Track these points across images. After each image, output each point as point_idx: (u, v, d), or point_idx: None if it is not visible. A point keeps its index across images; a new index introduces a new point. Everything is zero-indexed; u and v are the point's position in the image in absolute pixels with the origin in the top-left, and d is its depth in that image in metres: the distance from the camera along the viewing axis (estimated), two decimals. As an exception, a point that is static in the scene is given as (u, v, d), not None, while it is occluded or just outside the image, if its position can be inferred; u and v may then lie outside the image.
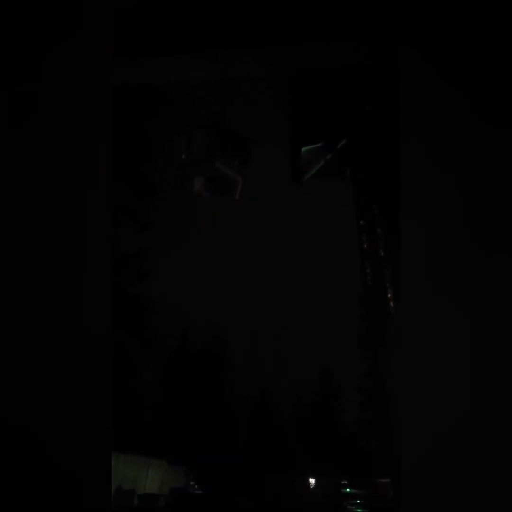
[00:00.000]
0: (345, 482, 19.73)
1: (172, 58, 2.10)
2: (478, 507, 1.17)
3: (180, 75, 2.31)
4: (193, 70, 2.23)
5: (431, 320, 1.26)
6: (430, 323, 1.26)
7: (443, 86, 1.34)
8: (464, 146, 1.32)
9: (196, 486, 19.12)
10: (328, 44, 1.88)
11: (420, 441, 1.21)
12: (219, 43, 1.98)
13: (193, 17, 1.96)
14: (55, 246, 1.38)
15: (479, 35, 1.33)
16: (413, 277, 1.30)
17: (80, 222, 1.40)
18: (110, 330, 1.39)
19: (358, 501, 17.24)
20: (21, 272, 1.37)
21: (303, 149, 2.26)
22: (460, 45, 1.34)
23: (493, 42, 1.32)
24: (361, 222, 2.10)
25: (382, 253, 1.93)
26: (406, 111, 1.36)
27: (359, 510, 16.80)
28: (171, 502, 14.76)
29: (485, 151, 1.30)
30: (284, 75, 2.23)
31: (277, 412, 27.20)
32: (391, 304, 1.80)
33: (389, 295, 1.82)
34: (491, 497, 1.19)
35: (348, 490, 18.59)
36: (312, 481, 22.02)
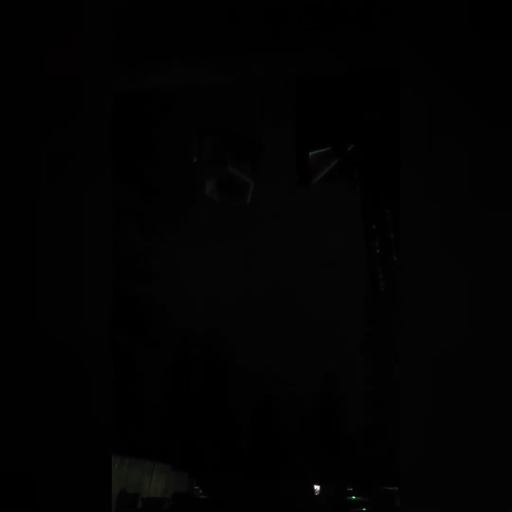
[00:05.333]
0: (351, 489, 19.54)
1: (178, 63, 2.12)
2: None
3: (187, 80, 2.33)
4: (198, 75, 2.25)
5: (435, 324, 1.25)
6: (434, 327, 1.25)
7: (443, 86, 1.34)
8: (464, 146, 1.31)
9: (200, 491, 19.06)
10: (331, 49, 1.89)
11: (422, 449, 1.20)
12: (224, 48, 1.99)
13: (199, 22, 1.98)
14: (55, 247, 1.39)
15: (479, 35, 1.32)
16: (414, 279, 1.29)
17: (80, 224, 1.41)
18: (111, 330, 1.39)
19: (364, 509, 17.05)
20: (21, 272, 1.38)
21: (311, 153, 2.27)
22: (460, 45, 1.33)
23: (493, 42, 1.31)
24: (373, 227, 2.09)
25: (395, 258, 1.93)
26: (406, 112, 1.36)
27: (364, 518, 16.61)
28: (174, 507, 14.72)
29: (486, 150, 1.29)
30: (290, 79, 2.24)
31: (280, 417, 27.06)
32: None
33: None
34: (494, 504, 1.17)
35: (353, 497, 18.40)
36: (316, 488, 21.82)
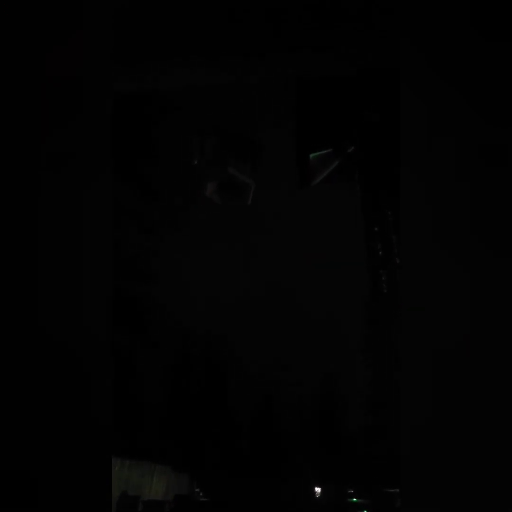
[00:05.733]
0: (351, 491, 19.54)
1: (178, 63, 2.12)
2: None
3: (187, 80, 2.33)
4: (198, 75, 2.25)
5: (435, 324, 1.25)
6: (434, 327, 1.25)
7: (443, 86, 1.34)
8: (464, 146, 1.31)
9: (201, 494, 19.06)
10: (331, 49, 1.89)
11: (422, 449, 1.20)
12: (224, 48, 1.99)
13: (199, 22, 1.98)
14: (55, 247, 1.39)
15: (479, 35, 1.32)
16: (414, 279, 1.29)
17: (80, 224, 1.41)
18: (111, 330, 1.39)
19: (365, 511, 17.04)
20: (21, 272, 1.38)
21: (311, 155, 2.27)
22: (460, 45, 1.33)
23: (493, 42, 1.31)
24: (375, 228, 2.10)
25: (398, 260, 1.93)
26: (406, 112, 1.36)
27: (365, 519, 16.60)
28: (175, 509, 14.71)
29: (486, 150, 1.29)
30: (290, 79, 2.24)
31: (280, 417, 27.03)
32: None
33: None
34: (494, 504, 1.17)
35: (354, 499, 18.40)
36: (317, 490, 21.79)
